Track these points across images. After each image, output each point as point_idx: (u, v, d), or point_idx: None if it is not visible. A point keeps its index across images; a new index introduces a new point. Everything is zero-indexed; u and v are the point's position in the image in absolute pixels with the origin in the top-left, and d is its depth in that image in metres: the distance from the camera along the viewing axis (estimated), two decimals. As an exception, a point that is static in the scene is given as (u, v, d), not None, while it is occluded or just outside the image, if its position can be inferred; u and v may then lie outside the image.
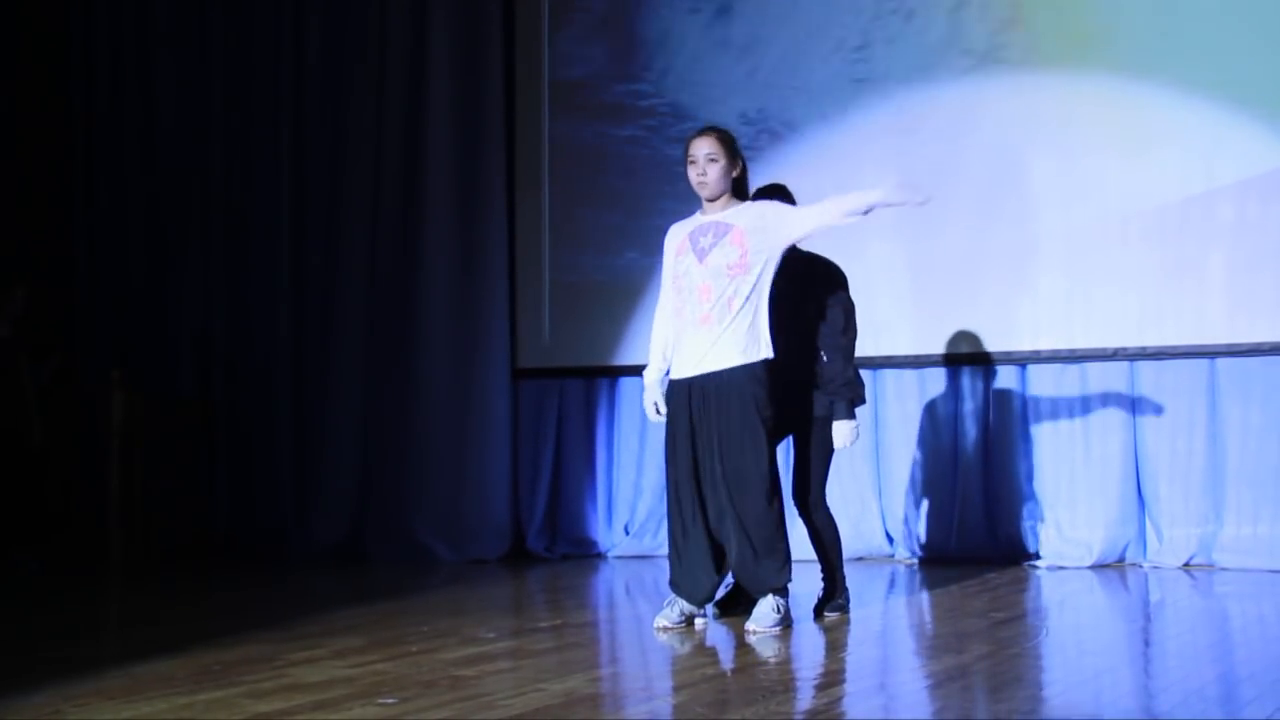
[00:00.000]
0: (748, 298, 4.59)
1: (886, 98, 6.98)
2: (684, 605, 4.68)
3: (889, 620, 5.10)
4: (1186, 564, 6.35)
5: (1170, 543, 6.41)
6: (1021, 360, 6.74)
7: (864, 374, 6.81)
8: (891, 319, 6.85)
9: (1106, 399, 6.59)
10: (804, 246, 4.92)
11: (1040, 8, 6.71)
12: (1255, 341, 6.25)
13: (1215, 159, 6.33)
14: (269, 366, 8.12)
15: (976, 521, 6.76)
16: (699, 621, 4.71)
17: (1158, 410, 6.51)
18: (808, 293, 4.87)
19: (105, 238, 8.52)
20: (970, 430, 6.85)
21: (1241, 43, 6.30)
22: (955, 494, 6.82)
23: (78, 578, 7.07)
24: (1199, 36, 6.37)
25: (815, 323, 4.88)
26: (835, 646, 4.42)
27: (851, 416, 4.88)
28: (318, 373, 8.00)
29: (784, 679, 3.87)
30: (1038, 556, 6.57)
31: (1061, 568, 6.42)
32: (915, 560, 6.84)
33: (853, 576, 5.17)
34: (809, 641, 4.46)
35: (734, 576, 4.76)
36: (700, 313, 4.61)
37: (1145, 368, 6.54)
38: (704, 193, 4.68)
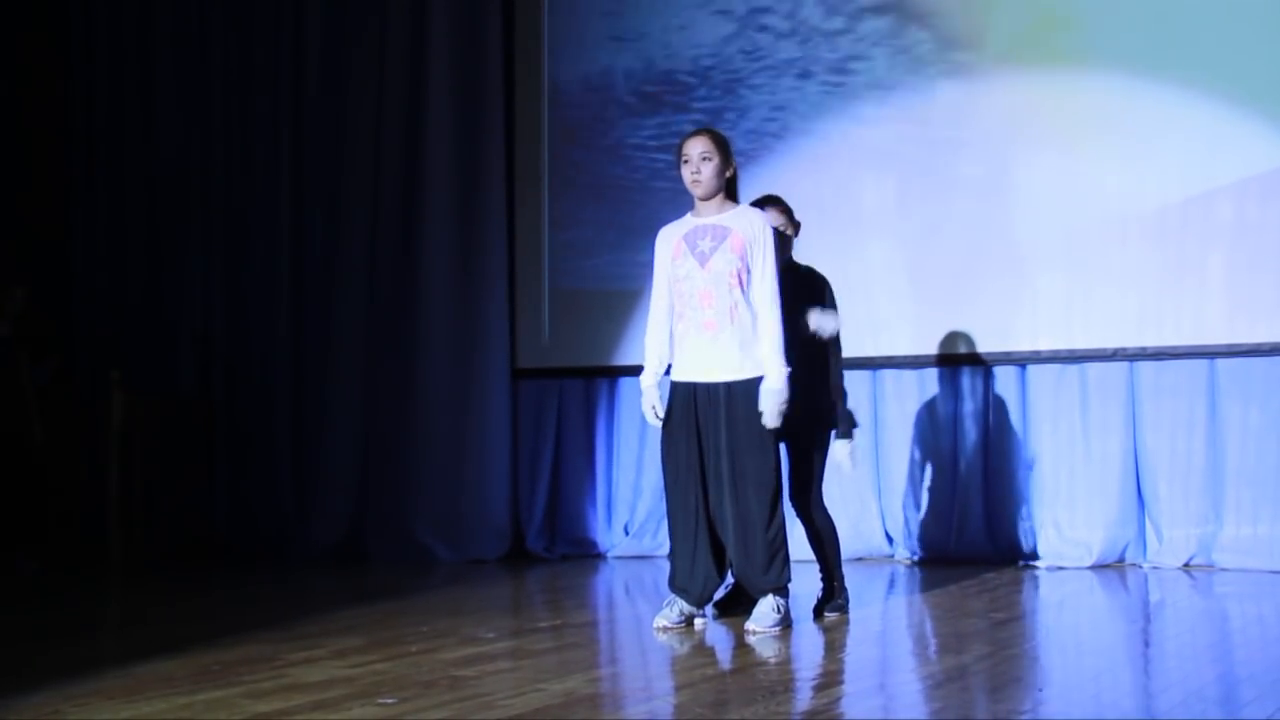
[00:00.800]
0: (750, 305, 4.60)
1: (886, 99, 6.99)
2: (684, 605, 4.68)
3: (888, 620, 5.10)
4: (1186, 564, 6.35)
5: (1170, 543, 6.42)
6: (1021, 360, 6.74)
7: (864, 374, 6.92)
8: (891, 319, 6.86)
9: (1106, 399, 6.59)
10: (798, 259, 5.03)
11: (1040, 7, 6.70)
12: (1255, 342, 6.25)
13: (1215, 159, 6.33)
14: (269, 366, 8.12)
15: (976, 522, 6.76)
16: (699, 622, 4.71)
17: (1157, 411, 6.51)
18: (799, 299, 4.88)
19: (105, 237, 8.52)
20: (970, 431, 6.85)
21: (1242, 42, 6.30)
22: (955, 494, 6.83)
23: (78, 578, 7.07)
24: (1199, 36, 6.37)
25: (805, 326, 4.89)
26: (835, 647, 4.42)
27: (850, 436, 4.93)
28: (317, 372, 8.00)
29: (783, 679, 3.87)
30: (1037, 557, 6.57)
31: (1061, 568, 6.42)
32: (915, 560, 6.84)
33: (852, 577, 5.18)
34: (808, 642, 4.46)
35: (734, 576, 4.76)
36: (703, 318, 4.61)
37: (1145, 368, 6.54)
38: (697, 191, 4.67)
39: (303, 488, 8.00)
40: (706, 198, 4.68)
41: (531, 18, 7.79)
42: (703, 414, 4.63)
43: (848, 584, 5.02)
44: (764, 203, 4.98)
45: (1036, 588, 5.88)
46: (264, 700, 3.43)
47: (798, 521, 4.97)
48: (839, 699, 3.52)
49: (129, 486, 7.60)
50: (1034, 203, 6.68)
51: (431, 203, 7.74)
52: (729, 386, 4.59)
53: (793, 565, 4.66)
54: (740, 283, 4.58)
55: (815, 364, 4.89)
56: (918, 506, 6.93)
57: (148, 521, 7.68)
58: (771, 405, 4.54)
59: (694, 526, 4.65)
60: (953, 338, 6.80)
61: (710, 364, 4.61)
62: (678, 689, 3.71)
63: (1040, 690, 3.58)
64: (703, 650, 4.35)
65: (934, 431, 6.93)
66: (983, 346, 6.76)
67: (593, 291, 7.57)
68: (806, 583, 4.97)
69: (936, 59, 6.88)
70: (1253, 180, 6.26)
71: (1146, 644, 4.54)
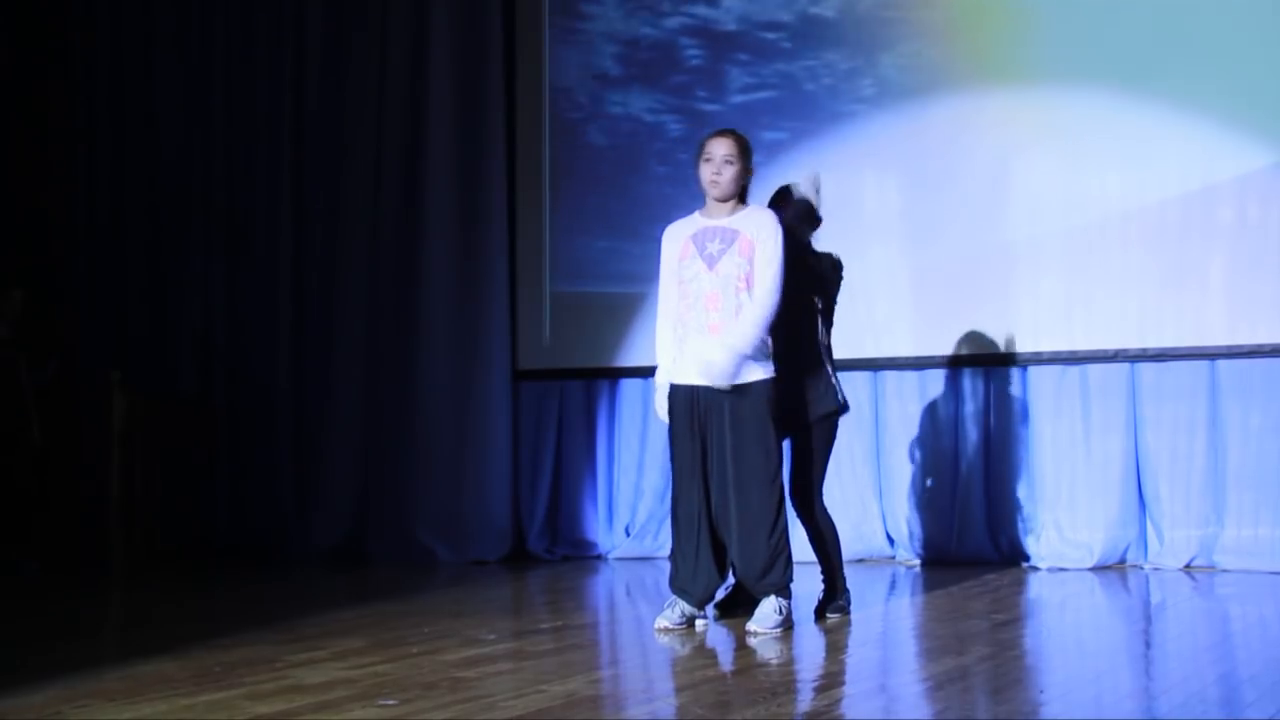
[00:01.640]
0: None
1: (887, 100, 6.99)
2: (685, 606, 4.67)
3: (890, 622, 5.10)
4: (1187, 566, 6.35)
5: (1171, 544, 6.42)
6: (1022, 362, 6.73)
7: (865, 375, 6.92)
8: (892, 321, 6.86)
9: (1107, 401, 6.59)
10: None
11: (1041, 13, 6.70)
12: (1255, 343, 6.25)
13: (1215, 160, 6.33)
14: (269, 367, 8.12)
15: (977, 523, 6.76)
16: (700, 623, 4.71)
17: (1158, 412, 6.51)
18: (803, 291, 4.85)
19: (106, 237, 8.51)
20: (971, 432, 6.85)
21: (1241, 45, 6.30)
22: (956, 496, 6.82)
23: (78, 578, 7.06)
24: (1199, 39, 6.38)
25: (808, 324, 4.86)
26: (836, 648, 4.42)
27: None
28: (318, 373, 8.00)
29: (785, 680, 3.86)
30: (1039, 558, 6.56)
31: (1062, 569, 6.42)
32: (916, 562, 6.84)
33: (854, 578, 5.17)
34: (810, 643, 4.46)
35: (735, 577, 4.76)
36: (708, 321, 4.59)
37: (1146, 369, 6.54)
38: (715, 192, 4.65)
39: (304, 488, 8.00)
40: (723, 200, 4.67)
41: (533, 19, 7.79)
42: (705, 416, 4.63)
43: (849, 585, 5.02)
44: (778, 197, 4.97)
45: (1038, 589, 5.88)
46: (265, 702, 3.43)
47: (798, 523, 4.96)
48: (840, 700, 3.52)
49: (130, 487, 7.60)
50: (1035, 204, 6.68)
51: (433, 203, 7.74)
52: (737, 389, 4.58)
53: (794, 566, 4.66)
54: (747, 286, 4.58)
55: (811, 365, 4.88)
56: (919, 508, 6.93)
57: (148, 522, 7.67)
58: (710, 372, 4.49)
59: (696, 528, 4.64)
60: (954, 339, 6.80)
61: None
62: (679, 690, 3.71)
63: (1041, 692, 3.57)
64: (704, 651, 4.35)
65: (935, 433, 6.93)
66: (983, 347, 6.75)
67: (594, 293, 7.56)
68: (808, 584, 4.97)
69: (937, 60, 6.88)
70: (1253, 180, 6.26)
71: (1148, 645, 4.54)
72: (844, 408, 4.96)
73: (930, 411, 6.95)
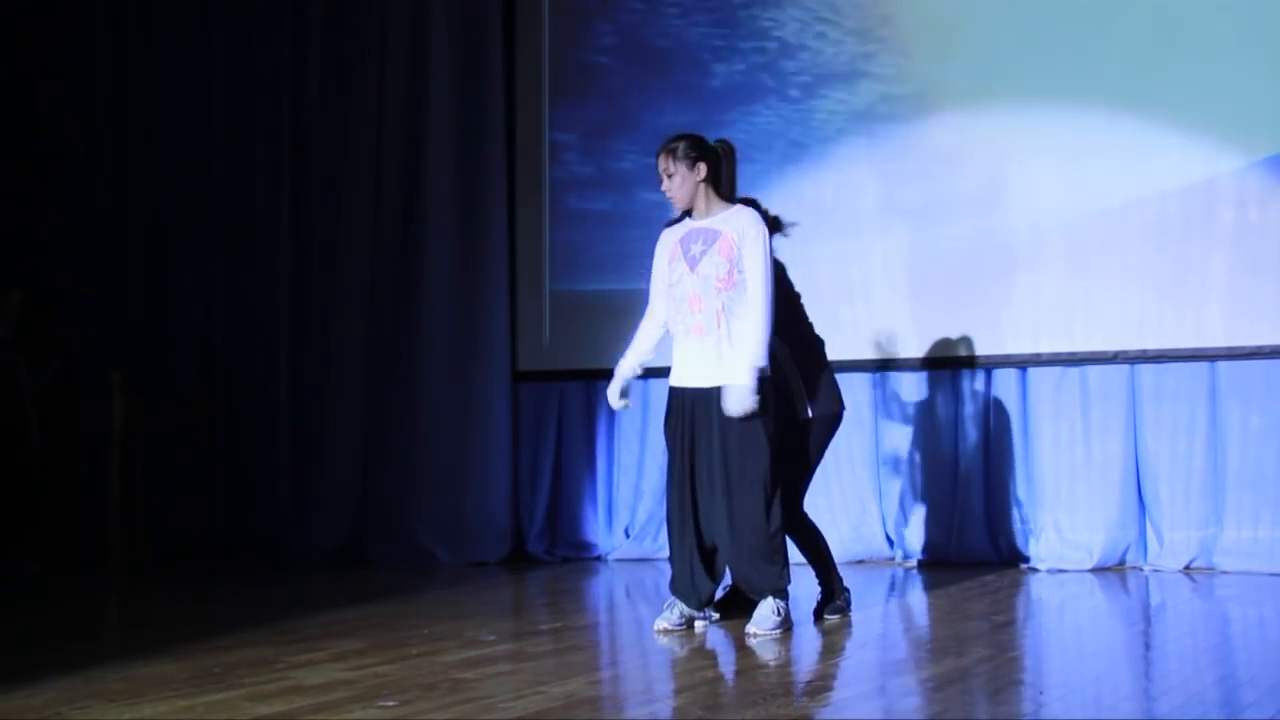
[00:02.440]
0: (735, 312, 4.57)
1: (888, 101, 6.99)
2: (684, 608, 4.68)
3: (889, 623, 5.10)
4: (1187, 567, 6.35)
5: (1171, 546, 6.41)
6: (1021, 363, 6.73)
7: (864, 377, 6.91)
8: (891, 322, 6.86)
9: (1106, 402, 6.59)
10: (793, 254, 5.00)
11: (1041, 20, 6.70)
12: (1255, 345, 6.25)
13: (1215, 161, 6.33)
14: (269, 368, 8.12)
15: (976, 524, 6.76)
16: (699, 624, 4.71)
17: (1158, 413, 6.51)
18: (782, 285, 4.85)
19: (106, 238, 8.51)
20: (970, 433, 6.85)
21: (1242, 44, 6.30)
22: (955, 497, 6.82)
23: (78, 578, 7.07)
24: (1198, 38, 6.37)
25: (791, 327, 4.87)
26: (835, 649, 4.42)
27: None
28: (318, 374, 8.00)
29: (783, 682, 3.87)
30: (1038, 559, 6.56)
31: (1062, 571, 6.42)
32: (915, 563, 6.84)
33: (853, 579, 5.17)
34: (809, 644, 4.46)
35: (733, 580, 4.76)
36: (692, 323, 4.61)
37: (1145, 371, 6.53)
38: (673, 205, 4.72)
39: (304, 490, 8.00)
40: (685, 207, 4.69)
41: (533, 19, 7.79)
42: (695, 418, 4.63)
43: (848, 585, 5.01)
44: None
45: (1037, 590, 5.88)
46: (265, 703, 3.43)
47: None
48: (839, 701, 3.52)
49: (130, 488, 7.61)
50: (1034, 205, 6.68)
51: (433, 204, 7.74)
52: (720, 390, 4.57)
53: (791, 568, 4.66)
54: (727, 286, 4.57)
55: (810, 363, 4.88)
56: (918, 509, 6.93)
57: (148, 523, 7.68)
58: (733, 401, 4.49)
59: (681, 531, 4.66)
60: (953, 340, 6.80)
61: (700, 368, 4.62)
62: (678, 691, 3.71)
63: (1041, 693, 3.58)
64: (703, 653, 4.35)
65: (934, 434, 6.93)
66: (983, 349, 6.75)
67: (594, 294, 7.56)
68: (806, 585, 4.97)
69: (938, 64, 6.88)
70: (1253, 180, 6.26)
71: (1147, 647, 4.54)
72: (840, 413, 4.96)
73: (930, 413, 6.95)
